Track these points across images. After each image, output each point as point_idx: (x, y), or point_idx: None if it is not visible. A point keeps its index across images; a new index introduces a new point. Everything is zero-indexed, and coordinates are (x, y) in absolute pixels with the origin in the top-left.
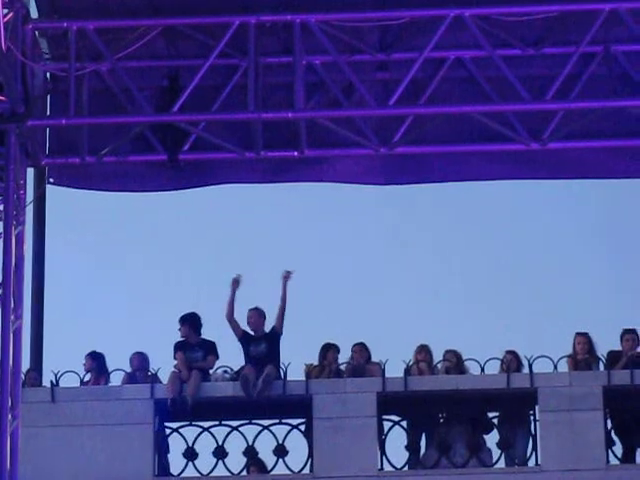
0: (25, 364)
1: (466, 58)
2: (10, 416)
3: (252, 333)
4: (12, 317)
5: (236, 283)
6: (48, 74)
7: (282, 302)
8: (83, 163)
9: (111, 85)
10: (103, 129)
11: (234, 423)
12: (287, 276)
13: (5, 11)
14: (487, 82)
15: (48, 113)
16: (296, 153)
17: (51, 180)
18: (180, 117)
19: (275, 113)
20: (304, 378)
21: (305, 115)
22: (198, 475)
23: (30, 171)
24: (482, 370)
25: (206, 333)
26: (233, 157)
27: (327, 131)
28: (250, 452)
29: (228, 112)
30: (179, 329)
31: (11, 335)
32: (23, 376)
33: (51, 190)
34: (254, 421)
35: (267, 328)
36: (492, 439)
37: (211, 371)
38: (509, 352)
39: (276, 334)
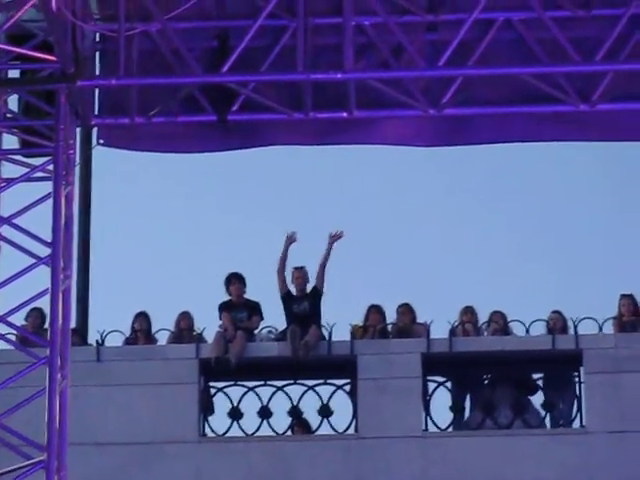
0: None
1: (515, 19)
2: (60, 375)
3: (295, 292)
4: (61, 277)
5: (290, 240)
6: (98, 35)
7: (324, 260)
8: (132, 124)
9: (160, 46)
10: (152, 90)
11: (279, 383)
12: (335, 236)
13: None
14: (536, 43)
15: (98, 74)
16: (345, 114)
17: (100, 141)
18: (229, 78)
19: (324, 74)
20: (349, 339)
21: (354, 76)
22: (243, 435)
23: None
24: (527, 331)
25: (251, 294)
26: (282, 118)
27: (376, 92)
28: (295, 412)
29: (277, 73)
30: (225, 289)
31: (60, 295)
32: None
33: (97, 150)
34: (299, 381)
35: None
36: (537, 401)
37: (256, 331)
38: (554, 312)
39: (318, 293)
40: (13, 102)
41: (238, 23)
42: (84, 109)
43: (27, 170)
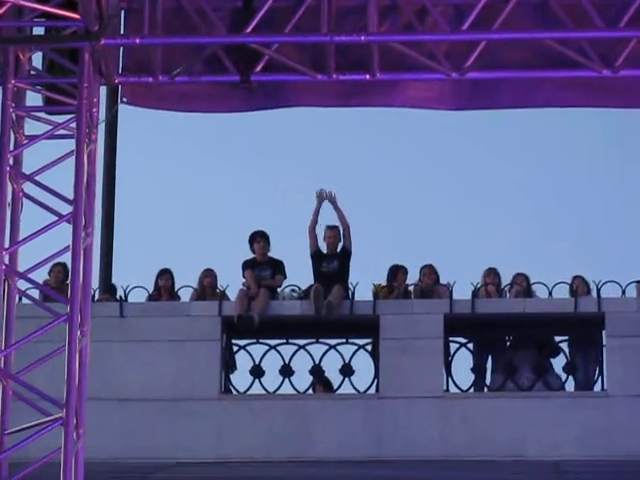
0: (95, 279)
1: None
2: (79, 333)
3: (325, 251)
4: (83, 234)
5: (321, 197)
6: None
7: (343, 221)
8: (156, 82)
9: (185, 5)
10: (177, 49)
11: (301, 342)
12: (322, 195)
13: None
14: (560, 8)
15: (122, 32)
16: (368, 76)
17: (124, 100)
18: (253, 38)
19: (347, 36)
20: (372, 298)
21: (378, 39)
22: (264, 392)
23: (103, 90)
24: (550, 294)
25: (274, 252)
26: (305, 79)
27: (399, 55)
28: (316, 371)
29: (301, 34)
30: (249, 247)
31: (82, 252)
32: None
33: (123, 109)
34: (321, 340)
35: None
36: (559, 363)
37: (279, 290)
38: (577, 277)
39: (347, 253)
40: (37, 60)
41: None
42: (108, 67)
43: (50, 127)
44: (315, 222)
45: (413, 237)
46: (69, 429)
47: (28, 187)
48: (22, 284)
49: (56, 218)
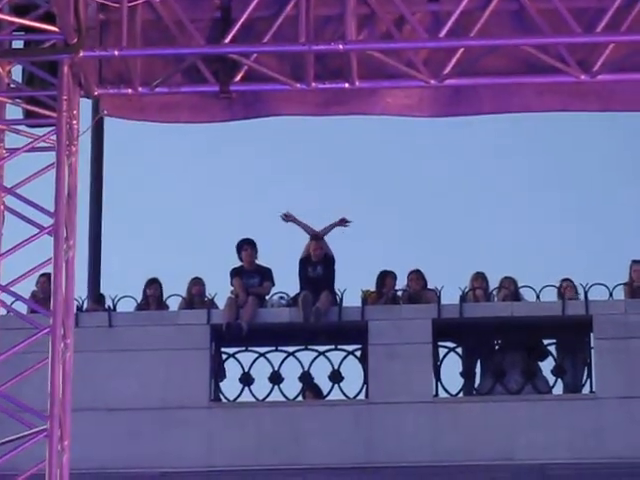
0: (83, 290)
1: None
2: (63, 344)
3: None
4: (64, 246)
5: (287, 217)
6: (100, 5)
7: (309, 230)
8: (136, 94)
9: (163, 16)
10: (156, 60)
11: (290, 349)
12: (344, 221)
13: None
14: (538, 15)
15: (100, 44)
16: (347, 85)
17: (104, 111)
18: (231, 49)
19: (326, 45)
20: (360, 304)
21: (356, 47)
22: (254, 400)
23: (88, 102)
24: (538, 297)
25: (262, 260)
26: (284, 89)
27: (377, 63)
28: (306, 378)
29: (279, 44)
30: (237, 255)
31: (64, 264)
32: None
33: (108, 120)
34: (310, 347)
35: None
36: (547, 366)
37: (267, 297)
38: (565, 279)
39: (330, 258)
40: (17, 73)
41: None
42: (87, 79)
43: (30, 140)
44: (309, 229)
45: (400, 243)
46: (53, 441)
47: (9, 200)
48: (6, 296)
49: (38, 230)
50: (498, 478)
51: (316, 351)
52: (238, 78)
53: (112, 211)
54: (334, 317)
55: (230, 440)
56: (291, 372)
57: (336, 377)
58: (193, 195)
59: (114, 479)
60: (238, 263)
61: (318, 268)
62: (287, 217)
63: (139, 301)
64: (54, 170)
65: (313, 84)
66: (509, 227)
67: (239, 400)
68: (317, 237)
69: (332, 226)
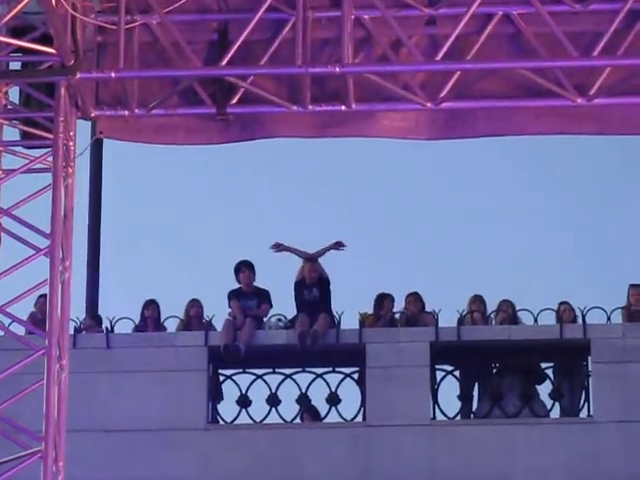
0: (81, 311)
1: (513, 14)
2: (58, 366)
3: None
4: (60, 268)
5: (278, 247)
6: (98, 27)
7: (300, 254)
8: (132, 115)
9: (160, 38)
10: (152, 82)
11: (287, 371)
12: (339, 245)
13: None
14: (534, 38)
15: (97, 66)
16: (343, 107)
17: (101, 133)
18: (228, 71)
19: (323, 68)
20: (358, 327)
21: (353, 70)
22: (251, 422)
23: (86, 124)
24: (535, 320)
25: (260, 282)
26: (281, 111)
27: (374, 86)
28: (303, 400)
29: (276, 67)
30: (235, 277)
31: (59, 286)
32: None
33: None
34: (307, 369)
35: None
36: (545, 390)
37: (265, 319)
38: (563, 303)
39: (325, 280)
40: (14, 94)
41: (238, 16)
42: (84, 101)
43: (27, 162)
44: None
45: (398, 265)
46: (48, 462)
47: (6, 221)
48: (2, 317)
49: (34, 252)
50: None
51: (314, 373)
52: (235, 100)
53: (110, 231)
54: (332, 339)
55: (227, 462)
56: (288, 394)
57: (333, 399)
58: (191, 216)
59: None
60: (236, 285)
61: (314, 290)
62: (277, 247)
63: (137, 322)
64: (50, 191)
65: (310, 107)
66: (507, 250)
67: (236, 422)
68: (311, 259)
69: (326, 249)
